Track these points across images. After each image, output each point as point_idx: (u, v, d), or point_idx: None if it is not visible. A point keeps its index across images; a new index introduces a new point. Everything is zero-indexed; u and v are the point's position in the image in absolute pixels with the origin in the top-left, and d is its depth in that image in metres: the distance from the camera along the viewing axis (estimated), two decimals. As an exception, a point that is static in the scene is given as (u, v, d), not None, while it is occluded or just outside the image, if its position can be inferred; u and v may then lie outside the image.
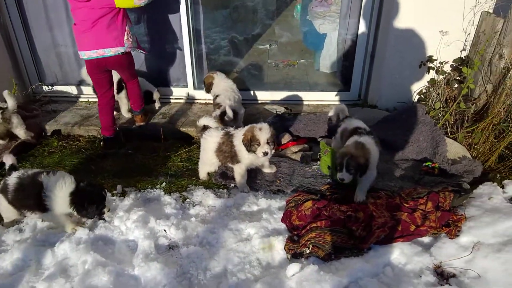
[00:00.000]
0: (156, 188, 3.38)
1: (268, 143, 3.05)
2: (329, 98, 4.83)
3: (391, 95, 4.37)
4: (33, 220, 2.99)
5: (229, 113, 3.80)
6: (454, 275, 2.44)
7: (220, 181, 3.43)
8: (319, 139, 3.97)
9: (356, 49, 4.54)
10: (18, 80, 4.75)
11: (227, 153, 3.22)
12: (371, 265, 2.52)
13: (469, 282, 2.36)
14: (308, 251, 2.63)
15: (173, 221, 2.92)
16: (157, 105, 4.74)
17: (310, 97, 4.84)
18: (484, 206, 2.86)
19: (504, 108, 3.55)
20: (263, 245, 2.71)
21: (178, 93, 4.98)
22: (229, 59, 5.24)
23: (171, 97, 4.99)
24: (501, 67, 3.67)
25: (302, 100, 4.84)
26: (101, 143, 4.17)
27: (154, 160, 3.87)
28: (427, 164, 3.46)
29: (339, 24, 4.77)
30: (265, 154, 3.06)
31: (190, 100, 4.94)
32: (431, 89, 4.14)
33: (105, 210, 2.87)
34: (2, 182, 2.84)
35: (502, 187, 3.11)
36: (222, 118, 3.83)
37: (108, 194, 3.02)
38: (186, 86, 4.89)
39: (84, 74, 4.25)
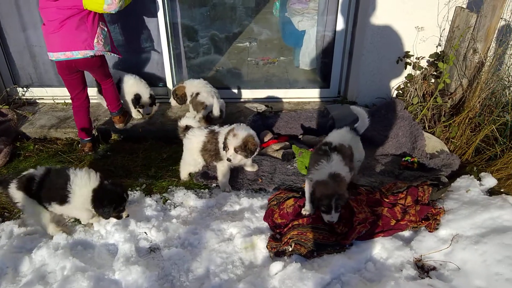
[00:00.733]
0: (136, 190, 3.27)
1: (236, 151, 2.99)
2: (309, 95, 4.79)
3: (370, 91, 4.36)
4: (9, 226, 2.88)
5: (216, 112, 3.75)
6: (434, 268, 2.45)
7: (202, 181, 3.36)
8: (300, 137, 3.93)
9: (334, 45, 4.51)
10: (-10, 82, 4.54)
11: (212, 151, 3.16)
12: (353, 261, 2.51)
13: (449, 274, 2.37)
14: (290, 249, 2.60)
15: (154, 223, 2.86)
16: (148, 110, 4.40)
17: (291, 95, 4.78)
18: (462, 199, 2.86)
19: (479, 102, 3.57)
20: (245, 244, 2.67)
21: (157, 92, 4.83)
22: (209, 57, 5.13)
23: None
24: (475, 61, 3.70)
25: (283, 98, 4.77)
26: (79, 145, 4.02)
27: (134, 161, 3.76)
28: (406, 158, 3.46)
29: (317, 21, 4.73)
30: (229, 160, 3.03)
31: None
32: (408, 85, 4.15)
33: (124, 214, 2.77)
34: (21, 177, 2.72)
35: (479, 179, 3.12)
36: (208, 118, 3.76)
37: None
38: (165, 85, 4.76)
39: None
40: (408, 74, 4.17)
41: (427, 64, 4.15)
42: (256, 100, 4.73)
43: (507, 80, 3.58)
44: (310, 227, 2.65)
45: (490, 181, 3.05)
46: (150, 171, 3.58)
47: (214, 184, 3.34)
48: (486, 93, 3.50)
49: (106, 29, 3.64)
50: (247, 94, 4.81)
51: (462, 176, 3.14)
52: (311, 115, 4.12)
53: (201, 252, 2.62)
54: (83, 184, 2.64)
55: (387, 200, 2.85)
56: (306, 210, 2.80)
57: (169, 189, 3.30)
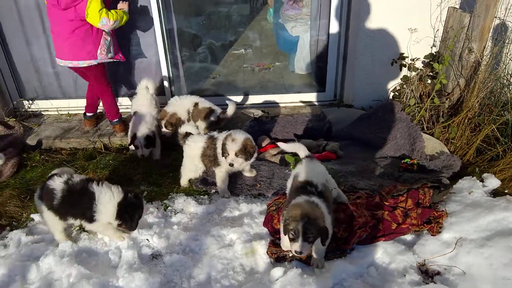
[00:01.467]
0: (139, 198, 3.14)
1: (236, 155, 2.90)
2: (305, 99, 4.62)
3: (366, 94, 4.19)
4: (17, 235, 2.82)
5: (233, 109, 3.76)
6: (438, 273, 2.27)
7: (201, 187, 3.23)
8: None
9: (328, 49, 4.35)
10: (-1, 96, 4.45)
11: (211, 156, 3.08)
12: (355, 266, 2.35)
13: (454, 279, 2.19)
14: (290, 255, 2.43)
15: (156, 229, 2.77)
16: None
17: (287, 99, 4.62)
18: (464, 201, 2.67)
19: (478, 102, 3.38)
20: (245, 250, 2.55)
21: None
22: (205, 65, 5.04)
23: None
24: (471, 61, 3.52)
25: (279, 103, 4.62)
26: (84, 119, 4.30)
27: (135, 169, 3.63)
28: (405, 161, 3.27)
29: (310, 26, 4.60)
30: (231, 165, 2.93)
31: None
32: (405, 86, 3.97)
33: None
34: (43, 188, 2.66)
35: (482, 180, 2.90)
36: (212, 125, 3.70)
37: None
38: (163, 94, 4.62)
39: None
40: (403, 76, 4.00)
41: (423, 65, 3.98)
42: (252, 106, 4.58)
43: (506, 78, 3.38)
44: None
45: (493, 182, 2.83)
46: (151, 178, 3.47)
47: (213, 190, 3.22)
48: (485, 93, 3.31)
49: (109, 38, 3.71)
50: (243, 100, 4.67)
51: (464, 177, 2.93)
52: (307, 119, 3.97)
53: (202, 258, 2.52)
54: (107, 200, 2.55)
55: (387, 204, 2.68)
56: (284, 246, 2.40)
57: (170, 196, 3.20)
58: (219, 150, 3.00)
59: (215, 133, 3.15)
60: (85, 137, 4.11)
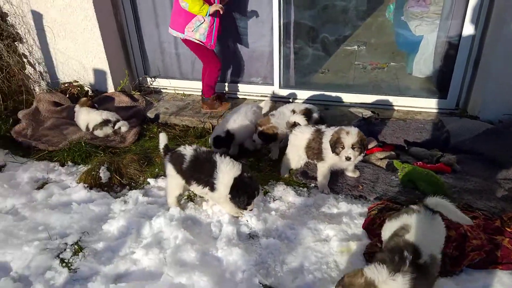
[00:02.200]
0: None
1: (353, 148, 2.96)
2: (422, 104, 4.46)
3: (497, 106, 3.86)
4: (136, 194, 3.32)
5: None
6: None
7: (301, 179, 3.41)
8: (407, 148, 3.71)
9: (457, 53, 4.11)
10: (128, 72, 5.29)
11: (315, 149, 3.20)
12: (462, 289, 2.27)
13: None
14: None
15: (254, 212, 3.00)
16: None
17: (400, 103, 4.52)
18: None
19: None
20: (341, 248, 2.65)
21: (262, 91, 5.03)
22: (316, 59, 5.16)
23: (255, 94, 5.07)
24: None
25: (391, 105, 4.54)
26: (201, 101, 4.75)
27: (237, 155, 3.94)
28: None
29: (438, 26, 4.36)
30: (348, 159, 2.99)
31: (275, 98, 4.96)
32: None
33: (249, 207, 2.88)
34: (173, 153, 3.02)
35: None
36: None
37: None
38: (272, 84, 4.93)
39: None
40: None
41: None
42: (361, 105, 4.60)
43: None
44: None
45: None
46: (252, 163, 3.76)
47: (312, 184, 3.36)
48: None
49: (203, 20, 4.10)
50: (352, 98, 4.70)
51: None
52: (422, 126, 3.85)
53: (297, 247, 2.69)
54: (227, 170, 2.80)
55: (509, 230, 2.52)
56: None
57: (270, 183, 3.44)
58: (324, 145, 3.10)
59: (322, 127, 3.24)
60: (197, 117, 4.62)
